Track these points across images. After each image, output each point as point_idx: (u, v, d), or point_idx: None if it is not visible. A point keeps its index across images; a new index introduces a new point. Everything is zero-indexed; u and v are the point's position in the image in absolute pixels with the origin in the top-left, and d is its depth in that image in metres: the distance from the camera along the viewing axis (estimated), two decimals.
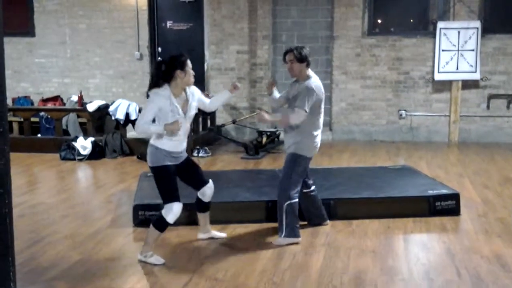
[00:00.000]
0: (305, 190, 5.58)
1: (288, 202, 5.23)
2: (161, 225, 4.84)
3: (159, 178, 4.81)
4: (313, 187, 5.68)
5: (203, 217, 5.39)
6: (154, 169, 4.81)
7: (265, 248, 5.18)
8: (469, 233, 5.62)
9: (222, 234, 5.52)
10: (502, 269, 4.64)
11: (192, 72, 4.83)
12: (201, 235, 5.45)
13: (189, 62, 4.81)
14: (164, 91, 4.72)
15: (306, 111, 5.11)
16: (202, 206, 5.32)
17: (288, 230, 5.25)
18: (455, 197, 6.26)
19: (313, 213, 5.77)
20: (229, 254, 5.02)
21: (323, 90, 5.33)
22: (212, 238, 5.44)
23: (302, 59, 5.25)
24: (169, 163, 4.80)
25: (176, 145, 4.83)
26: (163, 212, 4.81)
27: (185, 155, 5.02)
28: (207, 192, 5.22)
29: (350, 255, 4.98)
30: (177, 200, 4.81)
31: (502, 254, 4.98)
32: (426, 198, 6.17)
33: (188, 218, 5.84)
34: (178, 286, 4.33)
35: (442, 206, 6.17)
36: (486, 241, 5.36)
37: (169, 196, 4.81)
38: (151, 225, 4.88)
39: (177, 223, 5.71)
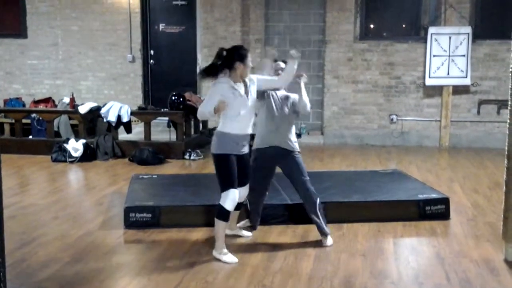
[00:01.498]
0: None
1: (319, 200, 5.43)
2: (223, 214, 4.97)
3: (220, 165, 5.00)
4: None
5: (232, 215, 5.35)
6: (217, 156, 5.00)
7: (255, 250, 5.20)
8: (459, 237, 5.66)
9: (248, 233, 5.64)
10: (491, 274, 4.68)
11: (250, 65, 4.99)
12: (228, 231, 5.47)
13: (249, 55, 5.00)
14: (223, 79, 4.93)
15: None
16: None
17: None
18: (445, 201, 6.30)
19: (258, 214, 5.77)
20: None
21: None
22: (237, 235, 5.57)
23: None
24: (231, 153, 4.96)
25: (242, 127, 5.01)
26: (221, 201, 4.97)
27: (246, 149, 5.15)
28: (242, 192, 5.21)
29: (340, 258, 5.00)
30: (232, 187, 4.96)
31: (491, 259, 5.01)
32: (416, 202, 6.21)
33: (180, 220, 5.87)
34: None
35: (432, 210, 6.21)
36: (476, 246, 5.40)
37: (226, 183, 4.96)
38: (215, 219, 5.01)
39: (170, 225, 5.80)
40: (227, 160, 4.96)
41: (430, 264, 4.94)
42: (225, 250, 5.00)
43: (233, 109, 4.91)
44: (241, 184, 5.12)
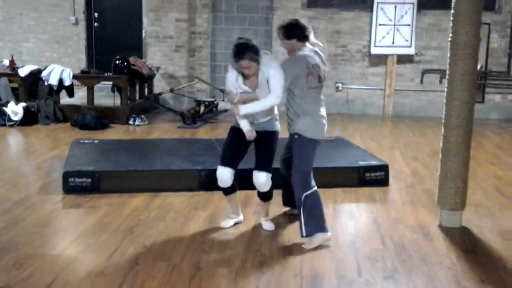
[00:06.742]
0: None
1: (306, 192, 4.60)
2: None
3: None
4: None
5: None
6: None
7: (196, 216, 5.19)
8: (396, 204, 5.78)
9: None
10: (425, 238, 4.79)
11: (243, 69, 4.57)
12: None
13: (242, 62, 4.50)
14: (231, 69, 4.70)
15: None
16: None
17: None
18: (385, 168, 6.41)
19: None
20: (160, 222, 5.00)
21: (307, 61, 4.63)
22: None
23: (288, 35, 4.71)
24: (234, 126, 4.81)
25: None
26: None
27: (261, 128, 4.79)
28: (254, 179, 4.76)
29: (279, 222, 5.03)
30: (221, 164, 4.78)
31: (426, 224, 5.14)
32: (356, 169, 6.30)
33: (121, 185, 5.83)
34: (106, 253, 4.29)
35: (371, 177, 6.31)
36: (412, 212, 5.52)
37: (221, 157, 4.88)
38: None
39: (110, 190, 5.74)
40: (229, 131, 4.87)
41: (367, 230, 5.03)
42: (226, 215, 5.06)
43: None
44: (254, 167, 4.78)
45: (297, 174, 4.65)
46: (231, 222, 5.00)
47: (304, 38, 4.70)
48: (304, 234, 4.55)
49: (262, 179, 4.71)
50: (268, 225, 4.96)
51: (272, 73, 4.53)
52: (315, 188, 4.64)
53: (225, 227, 4.95)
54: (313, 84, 4.62)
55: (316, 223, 4.57)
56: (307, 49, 4.71)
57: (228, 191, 4.89)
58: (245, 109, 4.60)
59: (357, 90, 11.58)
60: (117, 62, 9.94)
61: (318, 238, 4.55)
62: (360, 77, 11.55)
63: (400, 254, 4.44)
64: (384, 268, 4.19)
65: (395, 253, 4.47)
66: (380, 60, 11.40)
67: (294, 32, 4.68)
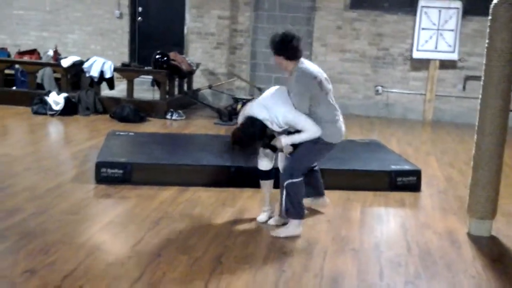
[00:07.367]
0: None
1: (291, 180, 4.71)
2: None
3: None
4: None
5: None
6: None
7: (223, 212, 5.22)
8: (426, 209, 5.70)
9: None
10: (452, 245, 4.72)
11: None
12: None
13: None
14: None
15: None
16: None
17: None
18: (417, 173, 6.32)
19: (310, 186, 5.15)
20: (185, 216, 5.05)
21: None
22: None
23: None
24: None
25: None
26: None
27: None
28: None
29: (305, 223, 4.97)
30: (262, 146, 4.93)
31: (454, 231, 5.06)
32: (388, 173, 6.22)
33: (152, 178, 5.88)
34: (130, 243, 4.35)
35: (403, 182, 6.23)
36: (442, 218, 5.44)
37: None
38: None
39: (141, 182, 5.81)
40: None
41: (393, 234, 4.99)
42: (264, 208, 5.10)
43: None
44: None
45: (292, 163, 4.73)
46: (266, 215, 5.05)
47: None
48: (285, 215, 4.80)
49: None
50: (273, 220, 5.04)
51: (290, 118, 4.63)
52: (301, 178, 4.75)
53: (261, 221, 5.02)
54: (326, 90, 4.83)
55: (297, 211, 4.73)
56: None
57: (265, 175, 5.00)
58: (287, 140, 4.68)
59: (397, 94, 11.45)
60: (157, 56, 10.05)
61: (295, 225, 4.73)
62: (401, 81, 11.41)
63: (424, 260, 4.38)
64: (406, 273, 4.14)
65: (419, 258, 4.41)
66: (422, 64, 11.25)
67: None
